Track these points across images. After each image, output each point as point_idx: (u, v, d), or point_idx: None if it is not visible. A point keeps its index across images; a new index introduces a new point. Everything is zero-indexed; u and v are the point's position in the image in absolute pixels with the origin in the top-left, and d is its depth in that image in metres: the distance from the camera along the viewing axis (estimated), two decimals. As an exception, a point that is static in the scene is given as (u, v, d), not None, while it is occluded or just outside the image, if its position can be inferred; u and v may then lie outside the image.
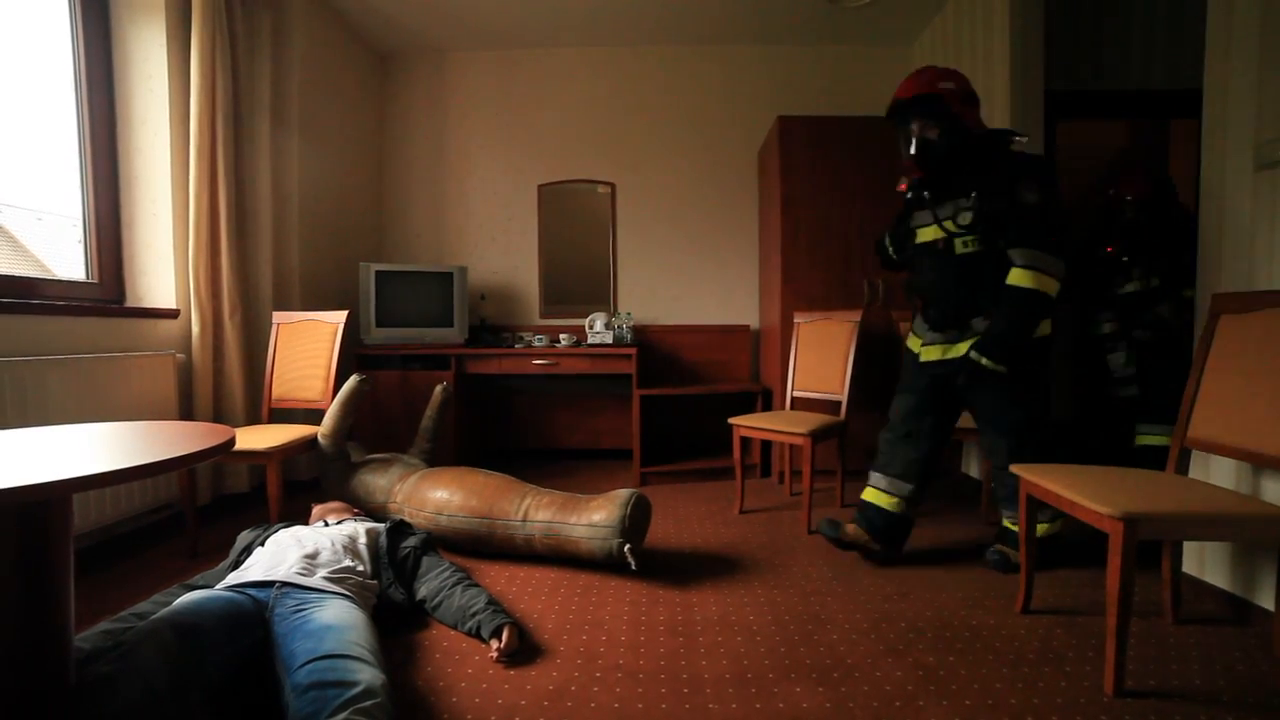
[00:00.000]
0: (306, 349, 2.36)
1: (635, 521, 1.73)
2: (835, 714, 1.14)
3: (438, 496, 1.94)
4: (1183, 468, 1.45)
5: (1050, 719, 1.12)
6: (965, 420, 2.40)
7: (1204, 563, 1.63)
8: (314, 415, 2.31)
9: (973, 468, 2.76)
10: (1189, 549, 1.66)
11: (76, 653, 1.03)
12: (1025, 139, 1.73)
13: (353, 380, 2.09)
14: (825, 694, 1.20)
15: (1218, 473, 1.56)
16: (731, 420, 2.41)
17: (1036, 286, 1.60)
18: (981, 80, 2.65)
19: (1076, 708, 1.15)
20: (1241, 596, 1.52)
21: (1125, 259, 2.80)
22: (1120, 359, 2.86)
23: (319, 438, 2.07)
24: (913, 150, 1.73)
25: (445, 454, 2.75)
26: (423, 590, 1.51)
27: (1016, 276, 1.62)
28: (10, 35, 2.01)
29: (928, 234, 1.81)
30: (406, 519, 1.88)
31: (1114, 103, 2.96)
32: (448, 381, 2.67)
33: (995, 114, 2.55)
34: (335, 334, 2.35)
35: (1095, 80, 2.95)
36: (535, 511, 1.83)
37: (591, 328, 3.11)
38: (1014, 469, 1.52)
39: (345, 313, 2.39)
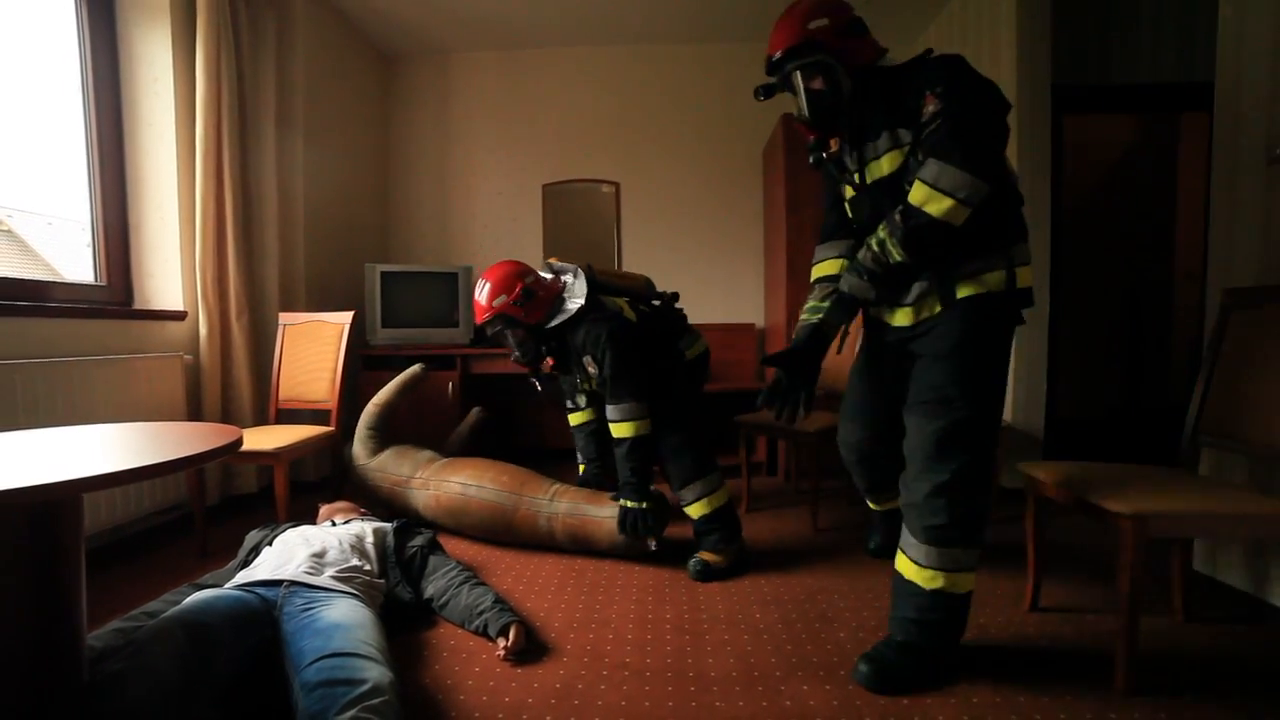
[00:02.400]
0: (313, 350, 2.38)
1: (658, 513, 1.79)
2: (842, 712, 1.14)
3: (466, 474, 2.00)
4: (1193, 464, 1.44)
5: (1059, 717, 1.11)
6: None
7: (1215, 560, 1.61)
8: (320, 415, 2.32)
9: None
10: (1200, 546, 1.64)
11: (89, 651, 1.04)
12: None
13: (415, 367, 2.30)
14: (832, 692, 1.20)
15: (1229, 469, 1.54)
16: (738, 418, 2.40)
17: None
18: (987, 74, 2.62)
19: (1086, 706, 1.14)
20: (1254, 595, 1.50)
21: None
22: None
23: (370, 404, 2.20)
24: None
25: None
26: (430, 589, 1.52)
27: None
28: (19, 44, 2.03)
29: None
30: (429, 492, 1.95)
31: (1123, 96, 2.93)
32: (452, 384, 2.68)
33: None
34: (341, 335, 2.36)
35: (1103, 74, 2.92)
36: (563, 495, 1.90)
37: (596, 327, 3.12)
38: (1021, 466, 1.51)
39: (351, 314, 2.40)
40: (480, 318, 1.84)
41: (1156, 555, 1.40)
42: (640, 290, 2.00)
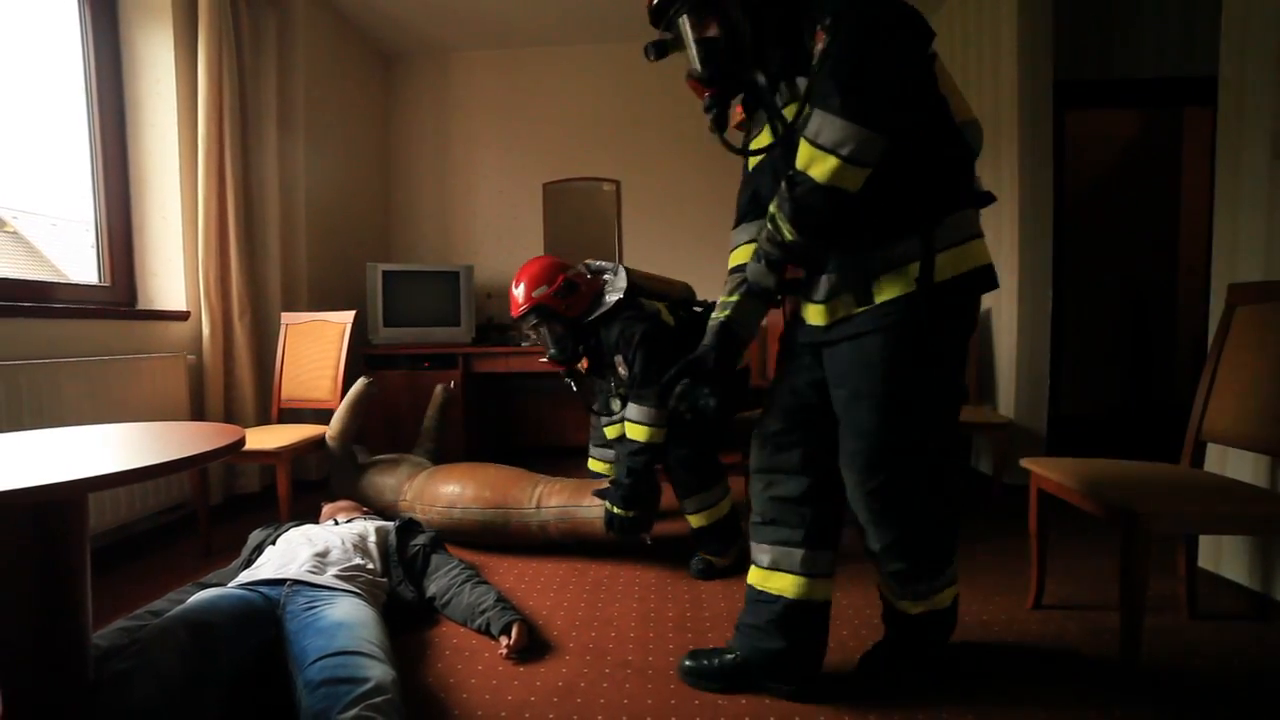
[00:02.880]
0: (315, 349, 2.38)
1: (642, 519, 1.73)
2: (847, 710, 1.14)
3: (449, 491, 1.95)
4: (1198, 460, 1.43)
5: (1064, 715, 1.11)
6: (975, 414, 2.38)
7: (1220, 557, 1.61)
8: (323, 415, 2.33)
9: (983, 463, 2.74)
10: (1205, 543, 1.63)
11: (95, 650, 1.04)
12: None
13: (360, 383, 2.08)
14: (836, 689, 1.20)
15: (1234, 465, 1.54)
16: (738, 416, 2.40)
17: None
18: (989, 70, 2.62)
19: (1090, 703, 1.14)
20: (1260, 591, 1.50)
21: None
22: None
23: (327, 439, 2.08)
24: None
25: (454, 452, 2.76)
26: (432, 588, 1.52)
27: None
28: (23, 47, 2.03)
29: None
30: (417, 516, 1.90)
31: (1125, 91, 2.92)
32: (453, 381, 2.69)
33: (1003, 104, 2.52)
34: (343, 334, 2.37)
35: (1105, 68, 2.90)
36: (548, 498, 1.86)
37: (598, 325, 3.12)
38: (1023, 463, 1.50)
39: (353, 313, 2.40)
40: (517, 310, 1.79)
41: (1161, 552, 1.39)
42: (679, 295, 1.94)
